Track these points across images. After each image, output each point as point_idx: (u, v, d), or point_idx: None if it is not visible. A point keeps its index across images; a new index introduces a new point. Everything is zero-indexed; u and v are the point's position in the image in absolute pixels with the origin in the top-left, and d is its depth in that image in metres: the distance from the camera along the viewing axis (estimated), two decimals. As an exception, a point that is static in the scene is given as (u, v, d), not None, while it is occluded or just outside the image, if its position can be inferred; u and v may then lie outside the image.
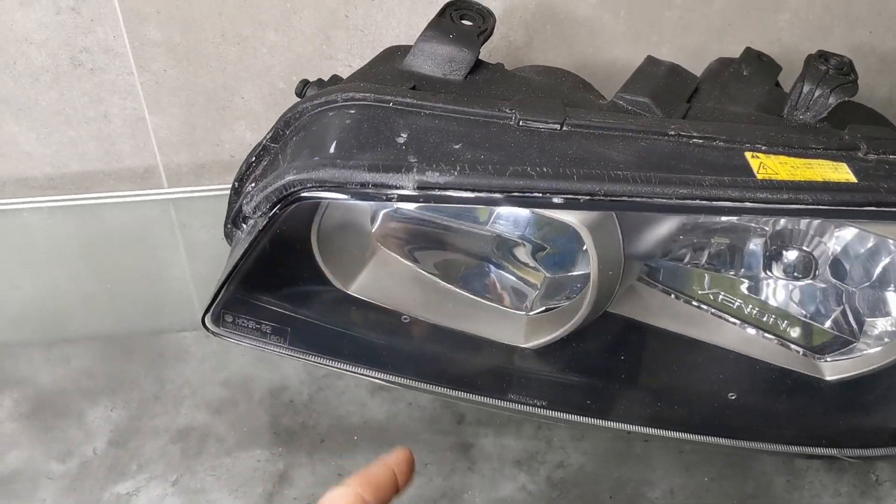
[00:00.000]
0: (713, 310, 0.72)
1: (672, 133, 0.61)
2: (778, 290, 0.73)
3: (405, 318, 0.66)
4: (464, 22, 0.66)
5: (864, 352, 0.68)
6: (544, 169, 0.55)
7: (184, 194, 0.92)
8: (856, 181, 0.59)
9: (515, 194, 0.55)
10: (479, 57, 0.66)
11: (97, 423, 0.99)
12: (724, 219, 0.71)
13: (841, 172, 0.60)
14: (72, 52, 0.81)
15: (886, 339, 0.67)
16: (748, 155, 0.60)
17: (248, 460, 0.94)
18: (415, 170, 0.54)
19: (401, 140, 0.57)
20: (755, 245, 0.74)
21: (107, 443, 0.95)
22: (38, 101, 0.84)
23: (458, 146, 0.57)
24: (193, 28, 0.81)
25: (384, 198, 0.54)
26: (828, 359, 0.70)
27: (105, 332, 1.04)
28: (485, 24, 0.66)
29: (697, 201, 0.56)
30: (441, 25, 0.65)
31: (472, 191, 0.54)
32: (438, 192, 0.54)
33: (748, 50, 0.75)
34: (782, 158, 0.61)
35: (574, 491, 0.88)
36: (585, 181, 0.55)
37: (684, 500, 0.85)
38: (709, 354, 0.68)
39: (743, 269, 0.74)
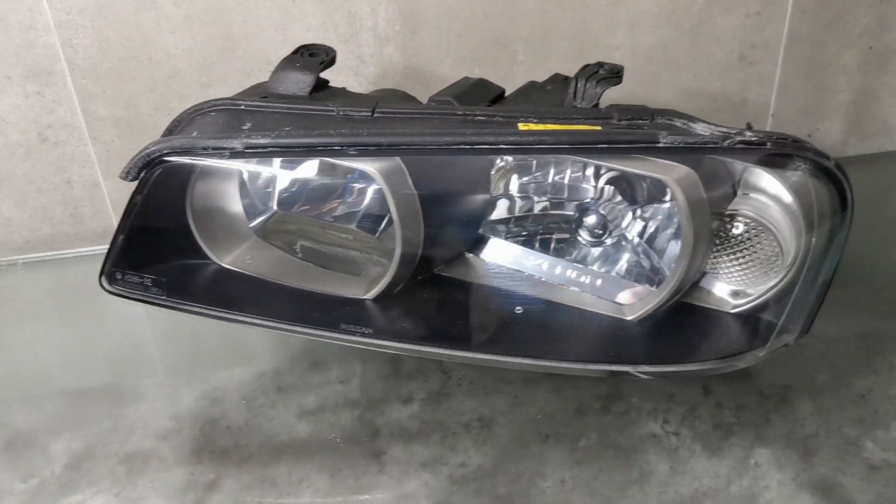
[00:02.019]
0: (537, 275, 0.87)
1: (460, 113, 0.78)
2: (591, 255, 0.88)
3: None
4: (311, 57, 0.87)
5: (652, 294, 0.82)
6: (343, 131, 0.73)
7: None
8: (599, 129, 0.75)
9: (319, 148, 0.72)
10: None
11: (58, 452, 1.11)
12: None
13: (592, 128, 0.76)
14: (39, 129, 1.04)
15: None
16: (520, 124, 0.77)
17: (183, 474, 1.04)
18: (243, 136, 0.72)
19: (245, 127, 0.76)
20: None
21: (63, 466, 1.07)
22: (15, 172, 1.06)
23: (288, 128, 0.76)
24: (133, 103, 1.04)
25: (219, 155, 0.72)
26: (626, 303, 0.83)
27: (74, 385, 1.19)
28: (327, 56, 0.86)
29: (461, 146, 0.72)
30: (291, 59, 0.85)
31: (286, 147, 0.72)
32: (261, 150, 0.72)
33: (556, 74, 0.93)
34: (548, 125, 0.77)
35: (472, 485, 0.97)
36: (374, 137, 0.72)
37: (574, 487, 0.93)
38: (521, 300, 0.82)
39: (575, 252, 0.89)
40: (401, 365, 1.01)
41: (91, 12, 0.97)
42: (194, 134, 0.75)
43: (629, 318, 0.82)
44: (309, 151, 0.72)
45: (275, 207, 0.90)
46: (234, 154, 0.72)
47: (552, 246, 0.91)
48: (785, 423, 0.88)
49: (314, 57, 0.87)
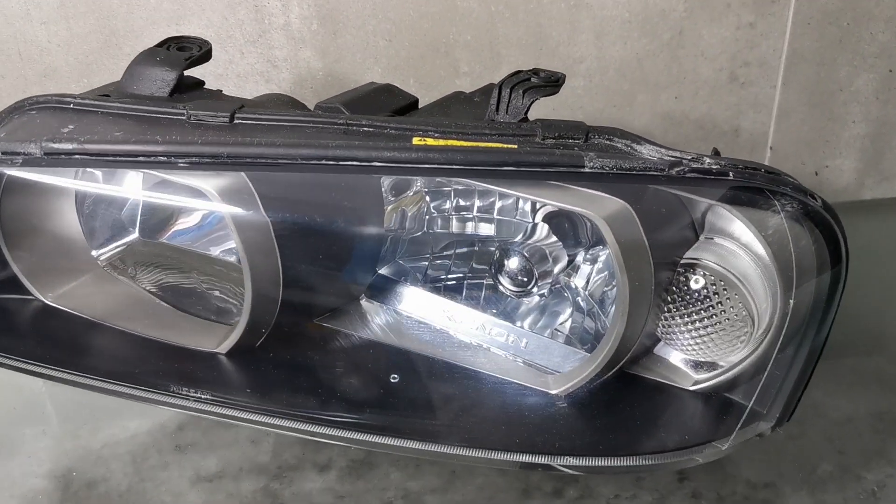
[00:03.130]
0: (451, 331, 0.70)
1: (341, 122, 0.62)
2: (525, 307, 0.71)
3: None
4: (180, 51, 0.71)
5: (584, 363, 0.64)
6: (174, 138, 0.57)
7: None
8: (514, 148, 0.58)
9: (141, 159, 0.56)
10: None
11: (-87, 518, 0.96)
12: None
13: (505, 146, 0.60)
14: None
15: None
16: (415, 139, 0.61)
17: (44, 550, 0.89)
18: (44, 140, 0.57)
19: (65, 130, 0.61)
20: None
21: (-85, 535, 0.93)
22: None
23: (118, 133, 0.60)
24: (1, 106, 0.89)
25: (9, 162, 0.56)
26: (558, 372, 0.66)
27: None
28: (199, 51, 0.71)
29: (321, 161, 0.56)
30: (152, 52, 0.70)
31: (96, 155, 0.56)
32: (65, 157, 0.57)
33: (490, 84, 0.77)
34: (451, 142, 0.61)
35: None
36: (210, 146, 0.56)
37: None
38: (416, 362, 0.65)
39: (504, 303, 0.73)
40: (325, 425, 0.87)
41: (-52, -3, 0.83)
42: (1, 136, 0.60)
43: (554, 393, 0.65)
44: (125, 162, 0.56)
45: (135, 233, 0.74)
46: (30, 161, 0.57)
47: (482, 294, 0.74)
48: (775, 524, 0.76)
49: (182, 51, 0.71)
